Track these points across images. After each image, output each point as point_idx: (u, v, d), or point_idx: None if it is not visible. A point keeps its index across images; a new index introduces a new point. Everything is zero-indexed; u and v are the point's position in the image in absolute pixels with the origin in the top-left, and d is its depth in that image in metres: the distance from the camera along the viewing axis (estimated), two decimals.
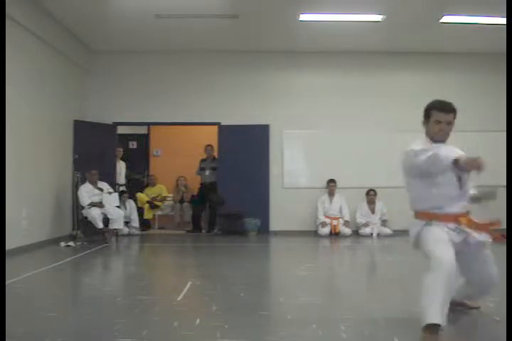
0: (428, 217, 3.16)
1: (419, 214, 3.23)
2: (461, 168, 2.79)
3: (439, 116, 3.13)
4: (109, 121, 9.55)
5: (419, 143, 3.18)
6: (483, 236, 3.12)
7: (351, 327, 3.27)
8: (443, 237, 3.03)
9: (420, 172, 3.10)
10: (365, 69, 9.74)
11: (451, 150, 3.02)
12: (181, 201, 10.50)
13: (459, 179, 3.10)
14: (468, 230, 3.07)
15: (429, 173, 3.05)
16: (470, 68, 9.58)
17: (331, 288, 5.10)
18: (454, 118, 3.15)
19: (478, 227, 3.13)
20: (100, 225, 8.10)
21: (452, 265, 2.83)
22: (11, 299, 3.72)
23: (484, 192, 3.20)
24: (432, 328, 2.81)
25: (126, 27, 8.26)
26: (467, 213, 3.17)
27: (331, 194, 9.51)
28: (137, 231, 9.39)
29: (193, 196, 10.49)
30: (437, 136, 3.15)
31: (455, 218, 3.10)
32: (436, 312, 2.78)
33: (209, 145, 10.13)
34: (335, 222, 9.29)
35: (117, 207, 8.49)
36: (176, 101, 9.70)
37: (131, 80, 9.65)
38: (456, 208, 3.12)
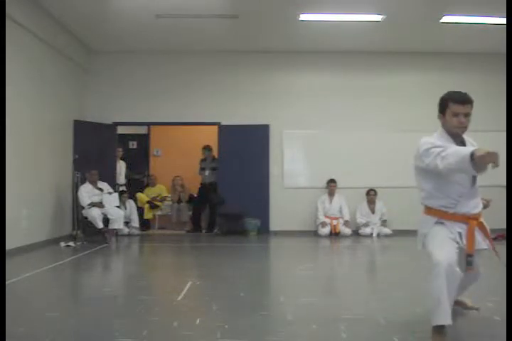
0: (439, 215, 3.09)
1: (429, 211, 3.15)
2: (478, 161, 2.64)
3: (456, 108, 3.02)
4: (109, 121, 9.55)
5: (435, 136, 3.09)
6: (484, 244, 3.10)
7: (351, 327, 3.27)
8: (448, 238, 3.00)
9: (431, 171, 3.00)
10: (365, 69, 9.74)
11: (465, 147, 2.93)
12: (179, 201, 10.50)
13: (473, 176, 3.03)
14: (473, 235, 3.03)
15: (439, 172, 2.95)
16: (470, 68, 9.59)
17: (331, 288, 5.10)
18: (471, 109, 3.05)
19: (484, 232, 3.11)
20: (100, 225, 8.10)
21: (450, 266, 2.81)
22: (11, 299, 3.72)
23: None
24: (439, 329, 2.87)
25: (126, 27, 8.26)
26: (479, 214, 3.11)
27: (331, 194, 9.50)
28: (137, 231, 9.39)
29: (192, 196, 10.49)
30: (456, 129, 3.05)
31: (466, 219, 3.04)
32: (441, 314, 2.81)
33: (207, 146, 10.13)
34: (335, 222, 9.29)
35: (117, 207, 8.49)
36: (176, 101, 9.70)
37: (131, 80, 9.66)
38: (467, 207, 3.05)
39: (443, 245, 2.95)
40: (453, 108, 3.03)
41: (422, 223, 3.19)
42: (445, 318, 2.81)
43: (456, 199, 3.05)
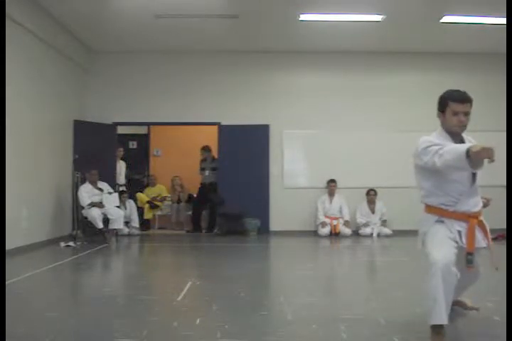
0: (439, 213, 3.08)
1: (430, 209, 3.14)
2: (473, 157, 2.65)
3: (455, 106, 3.02)
4: (109, 121, 9.55)
5: (434, 134, 3.09)
6: (483, 243, 3.09)
7: (351, 327, 3.27)
8: (447, 237, 2.99)
9: (429, 169, 3.00)
10: (365, 69, 9.74)
11: (461, 145, 2.92)
12: (178, 201, 10.51)
13: (473, 174, 3.03)
14: (473, 233, 3.02)
15: (437, 170, 2.95)
16: (470, 68, 9.59)
17: (331, 288, 5.10)
18: (471, 107, 3.06)
19: (484, 231, 3.10)
20: (100, 225, 8.10)
21: (447, 266, 2.80)
22: (11, 299, 3.72)
23: None
24: (437, 329, 2.86)
25: (126, 27, 8.26)
26: (479, 213, 3.10)
27: (331, 194, 9.50)
28: (137, 231, 9.39)
29: (191, 196, 10.50)
30: (455, 128, 3.06)
31: (466, 217, 3.03)
32: (437, 313, 2.80)
33: (205, 146, 10.13)
34: (335, 222, 9.28)
35: (117, 207, 8.49)
36: (176, 101, 9.70)
37: (131, 80, 9.65)
38: (467, 206, 3.05)
39: (442, 245, 2.95)
40: (452, 106, 3.04)
41: (422, 221, 3.18)
42: (441, 318, 2.81)
43: (456, 197, 3.05)
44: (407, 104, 9.61)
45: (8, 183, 5.90)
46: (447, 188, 3.05)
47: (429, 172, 3.04)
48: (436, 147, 2.90)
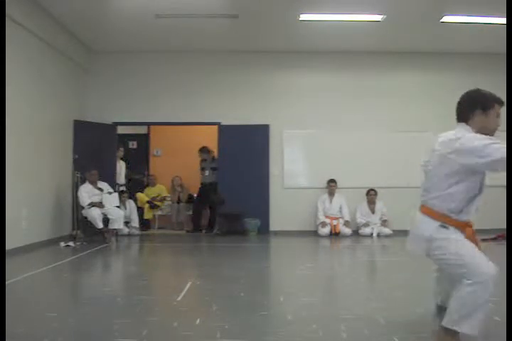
0: (441, 218, 2.98)
1: (430, 212, 3.03)
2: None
3: (498, 109, 3.06)
4: (109, 121, 9.55)
5: (477, 136, 2.95)
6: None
7: (351, 327, 3.27)
8: (469, 242, 2.93)
9: (469, 172, 2.87)
10: (365, 69, 9.74)
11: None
12: (178, 201, 10.50)
13: (481, 184, 2.98)
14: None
15: (474, 173, 2.87)
16: (470, 68, 9.57)
17: (331, 288, 5.10)
18: None
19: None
20: (100, 225, 8.10)
21: (496, 276, 2.78)
22: (11, 299, 3.72)
23: None
24: (454, 334, 2.82)
25: (126, 27, 8.26)
26: (472, 221, 3.07)
27: (331, 194, 9.50)
28: (137, 231, 9.39)
29: (191, 196, 10.49)
30: (494, 131, 3.07)
31: (464, 225, 2.99)
32: (473, 324, 2.76)
33: (203, 147, 10.12)
34: (335, 222, 9.29)
35: (117, 207, 8.49)
36: (176, 101, 9.71)
37: (131, 80, 9.66)
38: (469, 215, 3.01)
39: (476, 252, 2.88)
40: (497, 108, 3.07)
41: (422, 224, 3.09)
42: (476, 328, 2.77)
43: (464, 205, 2.96)
44: (407, 104, 9.61)
45: (8, 183, 5.89)
46: (462, 196, 2.95)
47: (462, 177, 2.90)
48: (498, 145, 2.83)
